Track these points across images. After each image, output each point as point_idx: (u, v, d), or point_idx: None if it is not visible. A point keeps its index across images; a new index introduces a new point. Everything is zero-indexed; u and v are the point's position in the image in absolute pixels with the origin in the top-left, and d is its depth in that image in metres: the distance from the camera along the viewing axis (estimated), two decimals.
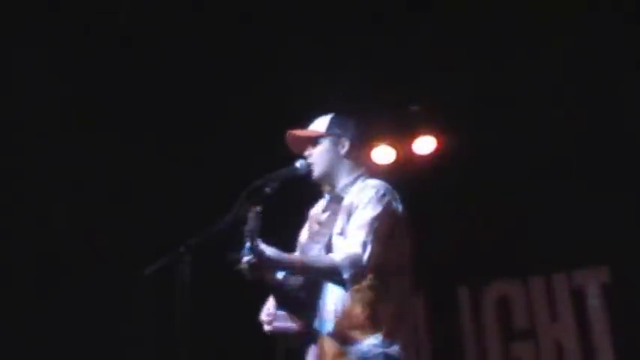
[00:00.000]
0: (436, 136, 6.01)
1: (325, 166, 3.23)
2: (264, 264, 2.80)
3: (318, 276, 3.00)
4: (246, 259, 2.76)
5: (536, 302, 6.04)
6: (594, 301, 5.79)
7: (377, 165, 5.84)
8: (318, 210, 3.32)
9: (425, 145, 6.04)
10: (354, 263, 2.91)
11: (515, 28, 5.23)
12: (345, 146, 3.24)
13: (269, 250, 2.84)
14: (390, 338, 2.94)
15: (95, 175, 5.79)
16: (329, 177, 3.24)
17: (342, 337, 2.96)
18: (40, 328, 5.52)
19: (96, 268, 5.79)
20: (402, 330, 2.99)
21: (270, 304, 3.12)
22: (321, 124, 3.31)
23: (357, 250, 2.94)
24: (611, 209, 5.52)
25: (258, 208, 2.80)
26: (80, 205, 5.80)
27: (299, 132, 3.31)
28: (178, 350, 2.84)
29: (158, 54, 5.42)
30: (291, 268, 2.94)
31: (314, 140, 3.26)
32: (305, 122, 3.37)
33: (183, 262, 2.92)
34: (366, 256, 2.93)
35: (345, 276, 2.90)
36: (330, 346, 2.98)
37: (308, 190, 3.34)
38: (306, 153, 3.25)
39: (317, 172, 3.22)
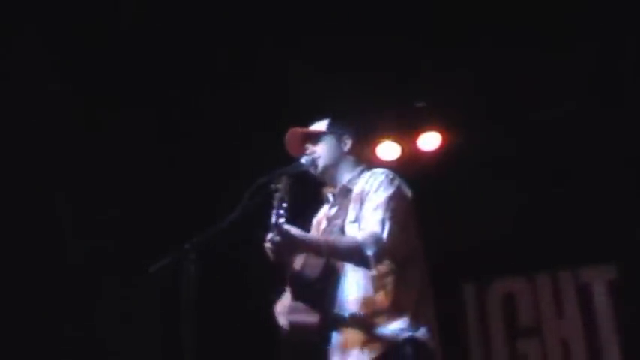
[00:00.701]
0: (441, 132, 6.00)
1: (329, 161, 3.27)
2: (288, 243, 2.81)
3: (343, 256, 3.00)
4: (270, 236, 2.76)
5: (542, 299, 6.05)
6: (600, 298, 5.79)
7: (381, 161, 5.83)
8: (323, 212, 3.35)
9: (430, 141, 6.03)
10: (376, 240, 2.93)
11: (522, 23, 5.22)
12: (347, 144, 3.30)
13: (294, 230, 2.85)
14: (416, 321, 2.95)
15: (100, 172, 5.79)
16: (332, 173, 3.28)
17: (368, 325, 2.95)
18: (45, 327, 5.52)
19: (101, 266, 5.80)
20: (426, 313, 3.00)
21: (285, 298, 3.10)
22: (321, 124, 3.36)
23: (377, 228, 2.96)
24: (617, 206, 5.52)
25: (288, 180, 2.82)
26: (85, 202, 5.81)
27: (299, 130, 3.34)
28: (183, 347, 2.85)
29: (159, 49, 5.42)
30: (317, 247, 2.94)
31: (316, 138, 3.30)
32: (305, 123, 3.40)
33: (188, 260, 2.93)
34: (385, 234, 2.95)
35: (369, 253, 2.91)
36: (354, 335, 2.96)
37: (311, 194, 3.36)
38: (308, 151, 3.29)
39: (321, 166, 3.26)
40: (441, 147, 6.02)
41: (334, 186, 3.29)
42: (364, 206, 3.07)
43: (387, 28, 5.29)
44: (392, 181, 3.11)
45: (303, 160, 3.24)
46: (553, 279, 6.03)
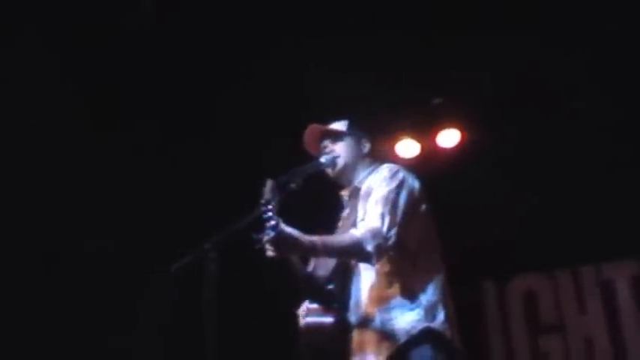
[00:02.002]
0: (460, 129, 5.98)
1: (348, 160, 3.29)
2: (283, 241, 2.80)
3: (343, 254, 3.00)
4: (266, 235, 2.77)
5: (563, 296, 6.02)
6: (624, 294, 5.75)
7: (400, 159, 5.83)
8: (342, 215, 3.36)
9: (449, 137, 6.01)
10: (375, 234, 2.92)
11: (539, 20, 5.20)
12: (366, 146, 3.34)
13: (289, 229, 2.84)
14: (431, 312, 2.95)
15: (119, 171, 5.81)
16: (348, 174, 3.30)
17: (383, 321, 2.95)
18: (65, 326, 5.56)
19: (123, 265, 5.82)
20: (442, 303, 2.99)
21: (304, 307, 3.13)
22: (340, 125, 3.37)
23: (377, 222, 2.96)
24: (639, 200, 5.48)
25: (272, 181, 2.83)
26: (103, 199, 5.83)
27: (322, 126, 3.33)
28: (205, 347, 2.86)
29: (168, 49, 5.44)
30: (312, 248, 2.91)
31: (336, 136, 3.31)
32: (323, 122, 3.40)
33: (209, 259, 2.94)
34: (385, 227, 2.94)
35: (369, 248, 2.90)
36: (371, 333, 2.96)
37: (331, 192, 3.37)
38: (327, 149, 3.30)
39: (340, 165, 3.28)
40: (460, 144, 6.00)
41: (348, 187, 3.30)
42: (367, 202, 3.08)
43: (405, 26, 5.29)
44: (395, 174, 3.12)
45: (322, 159, 3.24)
46: (575, 275, 6.00)
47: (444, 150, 6.04)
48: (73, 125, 5.50)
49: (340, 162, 3.28)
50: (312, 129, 3.34)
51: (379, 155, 3.41)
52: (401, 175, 3.13)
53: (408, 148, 6.01)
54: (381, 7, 5.13)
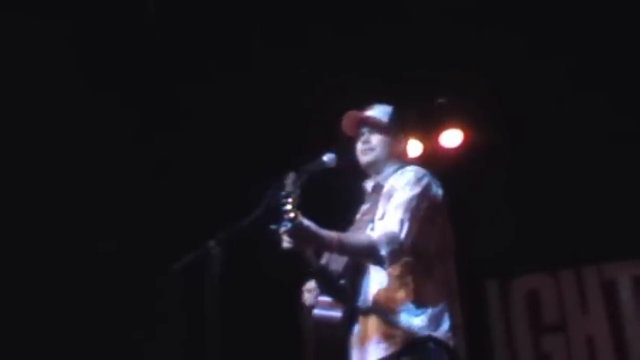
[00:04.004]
0: (463, 129, 5.98)
1: (381, 155, 3.24)
2: (301, 233, 2.80)
3: (356, 254, 2.98)
4: (283, 226, 2.76)
5: (566, 296, 6.02)
6: (626, 294, 5.74)
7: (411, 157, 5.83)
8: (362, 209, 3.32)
9: (452, 137, 6.01)
10: (391, 240, 2.90)
11: (541, 18, 5.20)
12: (401, 143, 3.29)
13: (307, 222, 2.83)
14: (436, 321, 2.93)
15: (125, 170, 5.81)
16: (378, 167, 3.25)
17: (388, 320, 2.94)
18: (69, 326, 5.54)
19: (124, 263, 5.82)
20: (449, 312, 2.96)
21: (309, 284, 3.13)
22: (383, 112, 3.30)
23: (395, 227, 2.93)
24: None
25: (295, 175, 2.81)
26: (108, 197, 5.82)
27: (363, 115, 3.28)
28: (207, 344, 2.86)
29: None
30: (328, 242, 2.89)
31: (376, 127, 3.26)
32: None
33: (212, 257, 2.94)
34: (403, 234, 2.92)
35: (383, 252, 2.89)
36: (374, 330, 2.95)
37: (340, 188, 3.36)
38: (363, 137, 3.26)
39: (371, 157, 3.23)
40: (463, 144, 5.99)
41: (373, 179, 3.26)
42: (389, 202, 3.06)
43: (406, 25, 5.29)
44: (420, 180, 3.07)
45: (325, 158, 3.22)
46: (577, 275, 6.00)
47: (447, 150, 6.03)
48: (83, 123, 5.51)
49: (371, 155, 3.23)
50: (351, 116, 3.28)
51: (406, 150, 3.36)
52: (425, 181, 3.08)
53: (410, 147, 5.99)
54: (382, 6, 5.14)
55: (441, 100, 5.93)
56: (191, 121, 5.87)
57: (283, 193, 2.76)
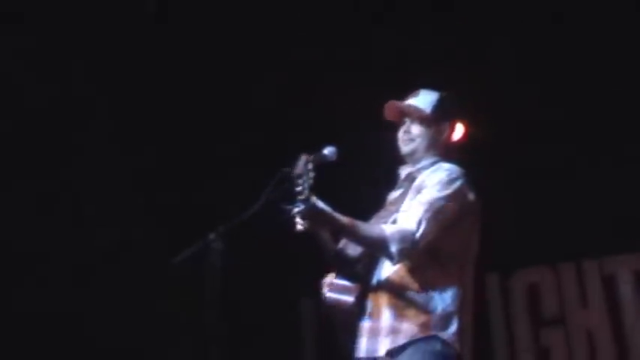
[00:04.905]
0: (464, 123, 5.94)
1: (420, 147, 3.19)
2: (315, 215, 2.77)
3: (366, 244, 2.94)
4: (296, 207, 2.75)
5: (566, 289, 5.98)
6: (626, 288, 5.73)
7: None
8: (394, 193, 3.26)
9: (456, 132, 5.98)
10: (404, 238, 2.85)
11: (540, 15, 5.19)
12: (444, 133, 3.23)
13: (321, 204, 2.80)
14: (444, 321, 2.90)
15: (129, 164, 5.81)
16: (417, 155, 3.19)
17: (398, 314, 2.93)
18: (72, 318, 5.54)
19: (128, 256, 5.82)
20: (458, 316, 2.93)
21: (329, 278, 3.11)
22: (426, 101, 3.22)
23: (412, 226, 2.88)
24: None
25: (310, 158, 2.79)
26: (113, 192, 5.82)
27: (404, 106, 3.21)
28: (208, 337, 2.85)
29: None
30: (340, 226, 2.87)
31: (418, 118, 3.18)
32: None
33: (213, 249, 2.93)
34: (418, 234, 2.86)
35: (392, 249, 2.85)
36: (384, 321, 2.94)
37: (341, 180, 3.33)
38: (404, 127, 3.21)
39: (411, 147, 3.18)
40: (464, 137, 5.96)
41: (413, 164, 3.20)
42: (415, 198, 2.99)
43: (414, 25, 5.28)
44: (452, 181, 3.01)
45: (326, 152, 3.18)
46: (577, 269, 5.96)
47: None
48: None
49: (411, 146, 3.18)
50: (391, 105, 3.22)
51: (450, 139, 3.29)
52: (458, 183, 3.01)
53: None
54: (389, 5, 5.13)
55: (441, 95, 5.90)
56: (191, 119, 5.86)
57: (295, 174, 2.73)
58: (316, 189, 2.79)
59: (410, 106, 3.21)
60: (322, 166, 3.13)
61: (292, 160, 2.96)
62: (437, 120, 3.20)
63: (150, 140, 5.87)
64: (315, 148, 3.11)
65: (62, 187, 5.63)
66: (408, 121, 3.21)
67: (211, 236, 2.95)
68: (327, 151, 3.16)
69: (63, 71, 5.34)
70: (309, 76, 5.58)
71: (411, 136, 3.18)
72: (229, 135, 5.95)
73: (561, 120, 5.65)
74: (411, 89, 3.28)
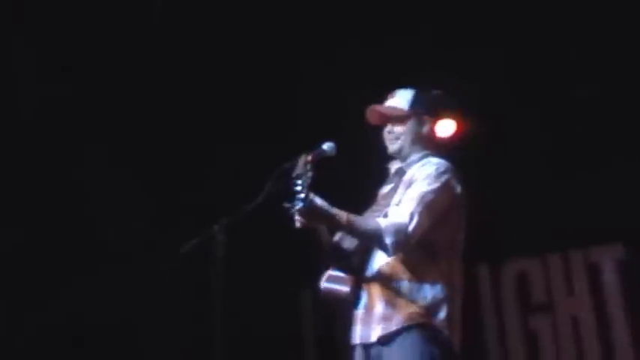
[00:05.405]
0: (456, 120, 5.96)
1: (405, 144, 3.18)
2: (313, 211, 2.79)
3: (362, 237, 2.96)
4: (295, 205, 2.76)
5: (553, 278, 6.04)
6: (609, 276, 5.73)
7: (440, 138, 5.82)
8: (384, 188, 3.28)
9: (445, 128, 5.98)
10: (398, 231, 2.87)
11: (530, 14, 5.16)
12: (426, 125, 3.20)
13: (319, 200, 2.83)
14: (434, 309, 2.92)
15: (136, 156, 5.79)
16: (405, 151, 3.19)
17: (390, 303, 2.94)
18: (79, 306, 5.51)
19: (134, 246, 5.80)
20: (448, 304, 2.94)
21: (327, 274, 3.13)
22: (403, 99, 3.21)
23: (405, 219, 2.89)
24: (625, 189, 5.48)
25: (308, 157, 2.80)
26: (117, 185, 5.80)
27: (383, 109, 3.22)
28: (213, 327, 2.84)
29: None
30: (337, 222, 2.89)
31: (397, 117, 3.18)
32: (383, 93, 3.29)
33: (217, 240, 2.92)
34: (411, 227, 2.88)
35: (387, 241, 2.86)
36: (377, 310, 2.97)
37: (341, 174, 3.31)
38: (387, 129, 3.20)
39: (394, 148, 3.18)
40: (456, 133, 5.98)
41: (402, 160, 3.20)
42: (406, 192, 3.00)
43: (408, 26, 5.26)
44: (440, 174, 3.00)
45: (325, 147, 3.16)
46: (564, 258, 6.01)
47: (441, 139, 6.00)
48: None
49: (397, 145, 3.16)
50: (371, 110, 3.21)
51: (434, 132, 3.25)
52: (446, 177, 3.01)
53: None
54: (385, 5, 5.11)
55: (434, 92, 5.89)
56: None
57: (294, 174, 2.75)
58: (318, 183, 2.78)
59: (388, 107, 3.23)
60: (322, 161, 3.12)
61: (292, 157, 2.95)
62: (416, 115, 3.19)
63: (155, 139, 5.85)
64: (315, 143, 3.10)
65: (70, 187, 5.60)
66: (389, 125, 3.21)
67: (215, 228, 2.93)
68: (327, 146, 3.13)
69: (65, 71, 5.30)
70: (309, 74, 5.56)
71: (395, 135, 3.19)
72: (230, 133, 5.93)
73: (545, 116, 5.64)
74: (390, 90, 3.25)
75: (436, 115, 3.26)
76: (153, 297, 5.86)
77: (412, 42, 5.29)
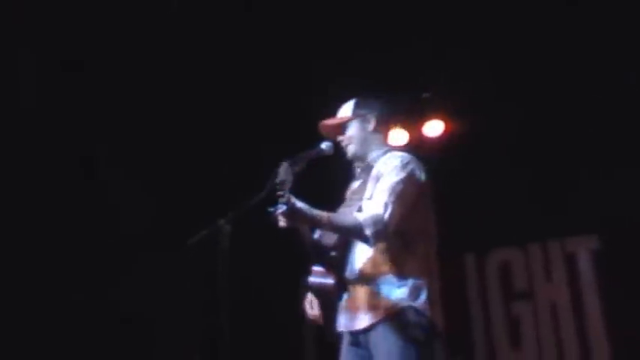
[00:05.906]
0: (444, 120, 6.02)
1: (357, 145, 3.25)
2: (294, 214, 2.86)
3: (344, 232, 3.05)
4: (279, 208, 2.84)
5: (533, 267, 6.10)
6: (584, 265, 5.81)
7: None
8: (354, 184, 3.35)
9: (434, 128, 6.06)
10: (376, 222, 2.94)
11: (519, 17, 5.18)
12: (371, 122, 3.26)
13: (300, 203, 2.90)
14: (416, 292, 2.97)
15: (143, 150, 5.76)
16: (362, 154, 3.26)
17: (373, 291, 3.01)
18: (86, 299, 5.45)
19: (143, 239, 5.77)
20: (428, 287, 3.01)
21: (309, 297, 3.20)
22: (347, 109, 3.32)
23: (380, 210, 2.96)
24: (600, 182, 5.55)
25: (288, 163, 2.88)
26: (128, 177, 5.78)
27: (329, 122, 3.33)
28: (220, 318, 2.87)
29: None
30: (318, 221, 2.96)
31: (343, 126, 3.28)
32: (333, 110, 3.38)
33: (222, 234, 2.96)
34: (387, 216, 2.95)
35: (367, 232, 2.93)
36: (361, 299, 3.04)
37: (339, 171, 3.36)
38: (339, 139, 3.28)
39: (351, 152, 3.27)
40: (444, 133, 6.04)
41: (364, 162, 3.26)
42: (376, 186, 3.08)
43: (399, 29, 5.27)
44: (405, 165, 3.08)
45: (323, 146, 3.21)
46: (543, 249, 6.08)
47: (430, 139, 6.07)
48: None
49: (351, 149, 3.25)
50: (322, 125, 3.31)
51: (388, 130, 3.32)
52: (410, 167, 3.08)
53: (397, 136, 6.02)
54: (373, 8, 5.11)
55: (425, 95, 5.98)
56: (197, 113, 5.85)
57: (277, 181, 2.83)
58: (318, 182, 2.83)
59: (335, 118, 3.34)
60: (319, 160, 3.17)
61: (292, 156, 2.99)
62: (359, 116, 3.27)
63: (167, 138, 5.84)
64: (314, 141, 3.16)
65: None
66: (340, 133, 3.29)
67: (221, 221, 2.97)
68: (325, 145, 3.19)
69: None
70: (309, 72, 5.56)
71: (347, 141, 3.28)
72: (235, 132, 5.95)
73: (527, 113, 5.68)
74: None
75: (381, 113, 3.29)
76: (162, 287, 5.85)
77: (417, 48, 5.31)
